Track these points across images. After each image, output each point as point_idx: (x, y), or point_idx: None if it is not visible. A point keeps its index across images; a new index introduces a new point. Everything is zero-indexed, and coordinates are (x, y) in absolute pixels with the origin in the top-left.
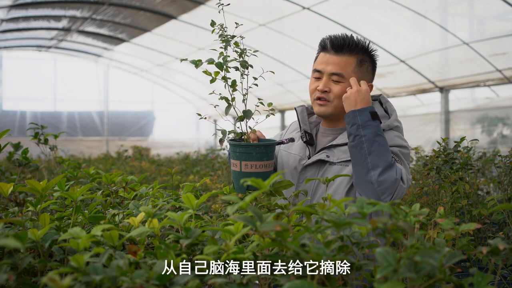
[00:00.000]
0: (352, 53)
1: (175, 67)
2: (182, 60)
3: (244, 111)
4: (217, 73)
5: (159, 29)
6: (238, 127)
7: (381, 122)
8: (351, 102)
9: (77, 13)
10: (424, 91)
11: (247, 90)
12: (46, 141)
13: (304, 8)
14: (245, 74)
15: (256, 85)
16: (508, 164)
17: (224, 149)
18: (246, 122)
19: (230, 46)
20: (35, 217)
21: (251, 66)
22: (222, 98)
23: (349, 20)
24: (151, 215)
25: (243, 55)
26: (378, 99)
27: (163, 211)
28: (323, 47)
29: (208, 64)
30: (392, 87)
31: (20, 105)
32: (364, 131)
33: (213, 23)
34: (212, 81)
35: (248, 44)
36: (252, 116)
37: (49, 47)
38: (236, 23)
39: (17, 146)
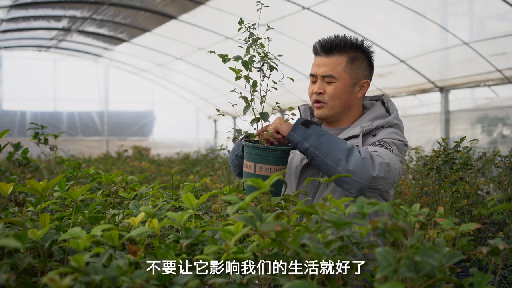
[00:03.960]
0: (341, 52)
1: (175, 67)
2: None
3: (261, 113)
4: (239, 70)
5: (159, 29)
6: (255, 128)
7: (317, 124)
8: (286, 129)
9: (77, 13)
10: (424, 91)
11: (265, 92)
12: (46, 141)
13: (304, 8)
14: (267, 76)
15: (276, 88)
16: (508, 164)
17: (224, 148)
18: (262, 124)
19: (255, 46)
20: (35, 217)
21: (276, 69)
22: (241, 97)
23: (349, 20)
24: (151, 215)
25: (265, 58)
26: (380, 98)
27: (163, 211)
28: (315, 52)
29: (234, 60)
30: (392, 87)
31: (20, 105)
32: (308, 142)
33: (241, 22)
34: (237, 78)
35: (266, 43)
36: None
37: (49, 47)
38: (268, 26)
39: (17, 146)
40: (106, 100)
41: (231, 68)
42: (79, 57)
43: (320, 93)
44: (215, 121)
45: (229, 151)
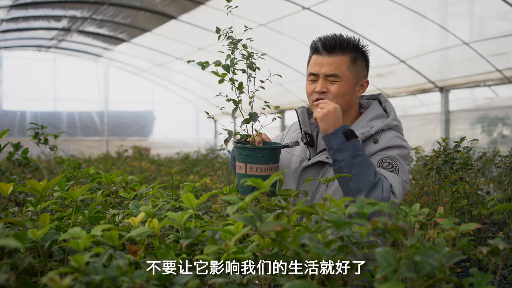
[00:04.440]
0: (344, 52)
1: (175, 67)
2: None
3: (250, 114)
4: (224, 74)
5: (159, 29)
6: (244, 130)
7: (357, 137)
8: (330, 120)
9: (77, 13)
10: (424, 91)
11: (253, 92)
12: (46, 141)
13: (304, 8)
14: (252, 77)
15: (263, 87)
16: (508, 164)
17: (224, 148)
18: (252, 124)
19: (237, 48)
20: (35, 217)
21: (259, 69)
22: (229, 100)
23: (349, 20)
24: (151, 215)
25: (250, 58)
26: (377, 98)
27: (163, 211)
28: (315, 50)
29: (215, 66)
30: (392, 87)
31: (20, 105)
32: (341, 155)
33: (218, 30)
34: (220, 81)
35: (248, 44)
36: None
37: (49, 47)
38: (245, 26)
39: (17, 146)
40: (106, 100)
41: (214, 72)
42: (79, 57)
43: (324, 92)
44: (215, 121)
45: (229, 151)
